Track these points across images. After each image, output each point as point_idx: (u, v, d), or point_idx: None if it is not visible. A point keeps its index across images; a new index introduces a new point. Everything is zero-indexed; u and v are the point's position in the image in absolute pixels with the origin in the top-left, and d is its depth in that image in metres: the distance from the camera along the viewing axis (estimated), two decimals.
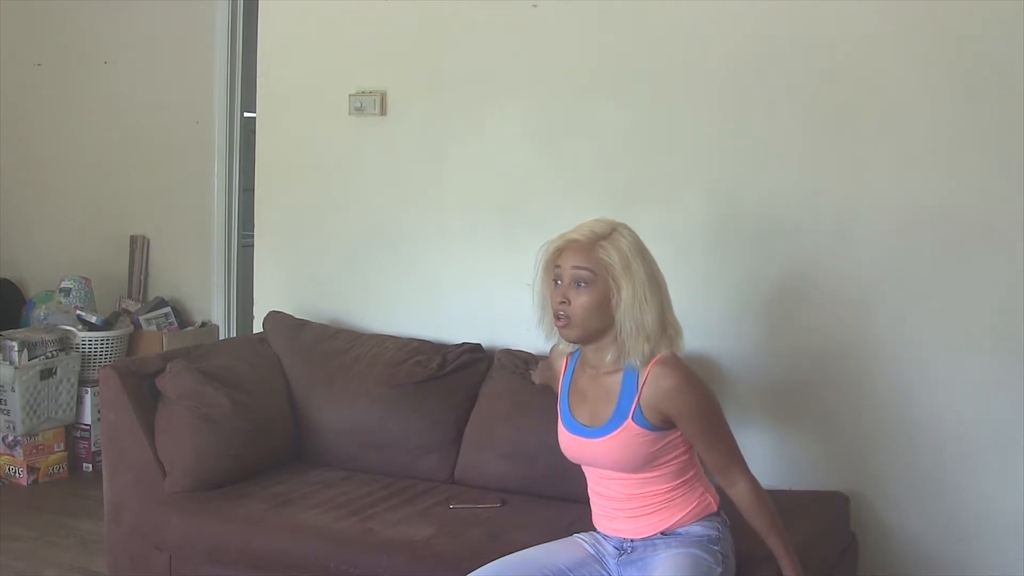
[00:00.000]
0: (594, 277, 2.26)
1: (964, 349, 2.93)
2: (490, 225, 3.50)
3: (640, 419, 2.28)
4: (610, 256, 2.25)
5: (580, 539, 2.45)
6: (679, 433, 2.31)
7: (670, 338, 2.31)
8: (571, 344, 2.41)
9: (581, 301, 2.27)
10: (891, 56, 2.95)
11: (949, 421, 2.95)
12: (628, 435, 2.29)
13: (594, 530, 2.47)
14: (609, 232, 2.29)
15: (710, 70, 3.17)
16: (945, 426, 2.95)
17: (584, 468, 2.45)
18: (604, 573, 2.38)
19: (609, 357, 2.31)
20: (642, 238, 2.36)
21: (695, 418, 2.29)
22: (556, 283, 2.32)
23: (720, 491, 2.39)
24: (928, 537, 2.98)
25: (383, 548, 2.70)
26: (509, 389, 3.18)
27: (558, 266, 2.31)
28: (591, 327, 2.30)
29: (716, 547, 2.32)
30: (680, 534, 2.33)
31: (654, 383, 2.26)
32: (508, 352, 3.31)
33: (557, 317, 2.31)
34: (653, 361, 2.27)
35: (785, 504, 2.47)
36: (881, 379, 3.01)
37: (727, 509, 2.41)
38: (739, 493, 2.31)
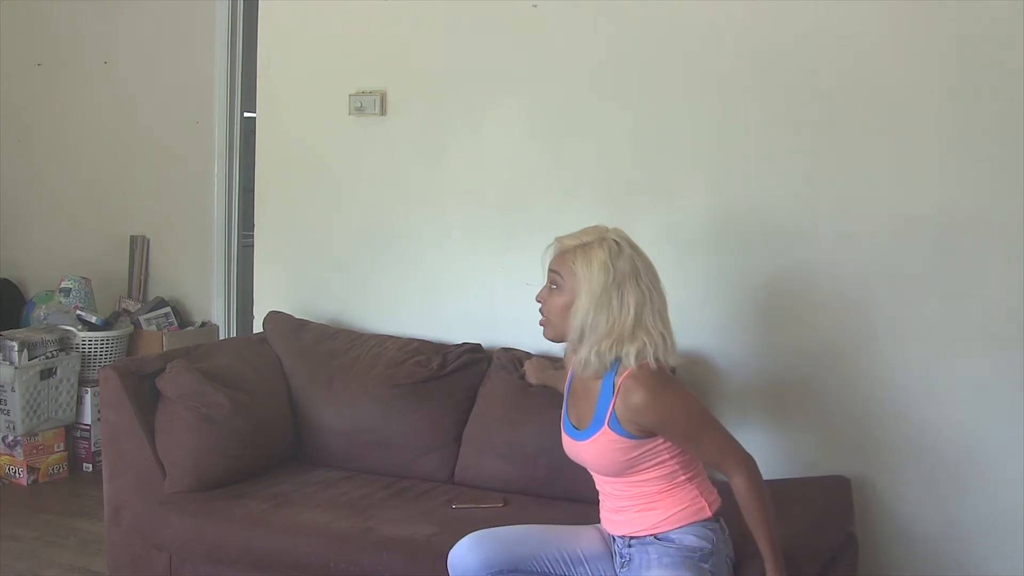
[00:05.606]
0: (563, 281, 2.33)
1: (963, 350, 2.93)
2: (490, 225, 3.50)
3: (616, 426, 2.28)
4: (575, 263, 2.30)
5: (600, 530, 2.47)
6: (661, 441, 2.30)
7: (647, 347, 2.26)
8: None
9: (552, 302, 2.36)
10: (891, 56, 2.95)
11: (949, 422, 2.95)
12: (605, 440, 2.30)
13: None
14: (591, 241, 2.32)
15: (710, 70, 3.17)
16: (945, 427, 2.95)
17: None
18: (612, 572, 2.39)
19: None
20: (641, 238, 2.37)
21: (672, 427, 2.29)
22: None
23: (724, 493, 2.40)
24: (928, 537, 2.98)
25: (383, 547, 2.70)
26: (509, 389, 3.18)
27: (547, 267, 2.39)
28: (564, 328, 2.35)
29: (706, 565, 2.29)
30: (674, 541, 2.31)
31: (624, 397, 2.26)
32: (507, 351, 3.31)
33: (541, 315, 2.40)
34: (627, 373, 2.27)
35: (787, 490, 2.48)
36: (880, 380, 3.01)
37: (727, 515, 2.39)
38: (735, 488, 2.29)
